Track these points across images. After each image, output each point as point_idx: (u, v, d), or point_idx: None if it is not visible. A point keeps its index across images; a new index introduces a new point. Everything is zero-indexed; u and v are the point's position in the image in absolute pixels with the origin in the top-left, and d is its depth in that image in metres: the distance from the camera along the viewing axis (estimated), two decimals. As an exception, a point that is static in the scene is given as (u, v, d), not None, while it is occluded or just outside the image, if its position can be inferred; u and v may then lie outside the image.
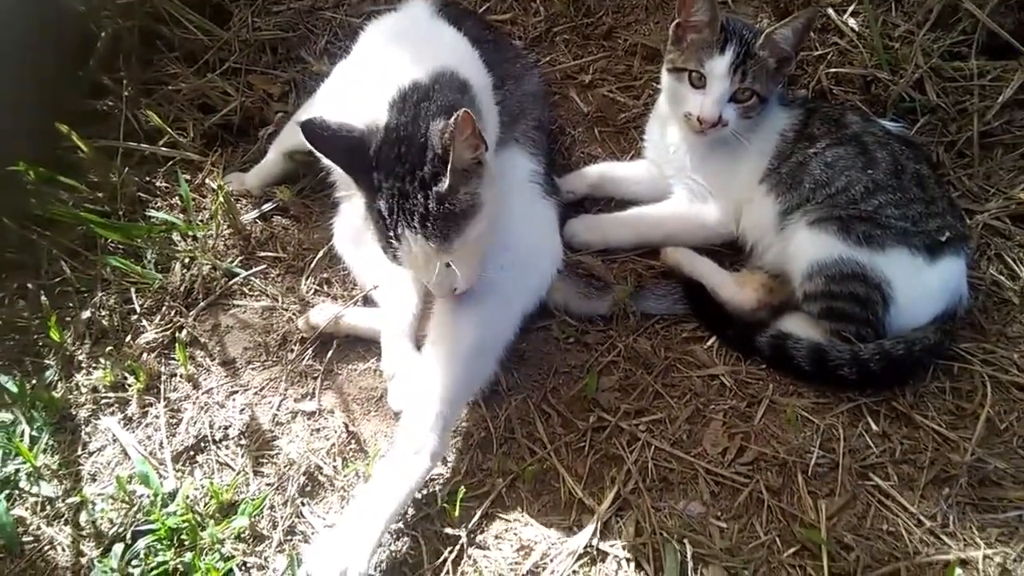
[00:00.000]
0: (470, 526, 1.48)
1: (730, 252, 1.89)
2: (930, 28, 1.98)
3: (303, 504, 1.53)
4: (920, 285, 1.64)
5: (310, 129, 1.42)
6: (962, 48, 1.99)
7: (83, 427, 1.67)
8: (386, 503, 1.40)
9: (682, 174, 1.88)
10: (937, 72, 1.97)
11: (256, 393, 1.71)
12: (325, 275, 1.90)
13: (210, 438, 1.63)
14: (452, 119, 1.33)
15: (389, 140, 1.44)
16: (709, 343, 1.76)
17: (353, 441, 1.61)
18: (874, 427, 1.59)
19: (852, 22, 2.04)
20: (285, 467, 1.57)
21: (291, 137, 2.03)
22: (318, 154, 1.47)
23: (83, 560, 1.47)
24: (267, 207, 2.04)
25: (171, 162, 2.13)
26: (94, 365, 1.77)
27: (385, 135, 1.45)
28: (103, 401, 1.71)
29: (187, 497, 1.51)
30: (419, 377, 1.55)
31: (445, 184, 1.39)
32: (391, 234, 1.43)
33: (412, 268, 1.50)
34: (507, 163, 1.78)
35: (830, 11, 2.06)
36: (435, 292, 1.55)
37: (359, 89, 1.64)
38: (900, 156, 1.72)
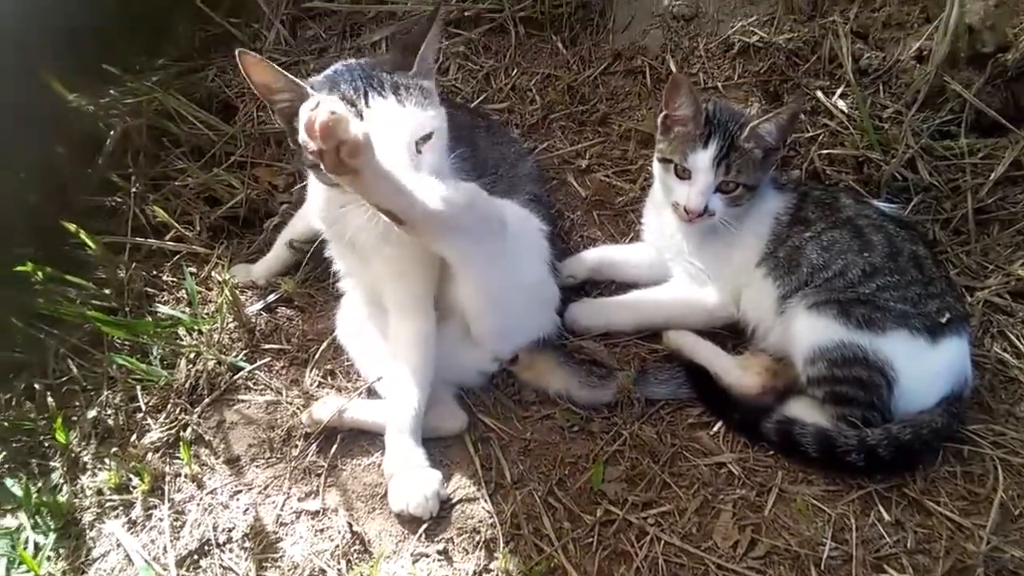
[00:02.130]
0: (477, 631, 1.45)
1: (732, 335, 1.89)
2: (919, 109, 2.02)
3: (307, 610, 1.51)
4: (923, 367, 1.63)
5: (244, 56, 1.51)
6: (951, 127, 2.02)
7: (88, 531, 1.66)
8: None
9: (680, 257, 1.90)
10: (928, 151, 2.00)
11: (260, 492, 1.69)
12: (329, 366, 1.91)
13: (214, 541, 1.61)
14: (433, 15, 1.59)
15: (342, 70, 1.58)
16: (715, 429, 1.75)
17: (357, 542, 1.59)
18: (886, 516, 1.57)
19: (841, 104, 2.08)
20: (289, 571, 1.55)
21: (294, 226, 2.08)
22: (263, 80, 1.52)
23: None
24: (271, 298, 2.07)
25: (178, 256, 2.17)
26: (99, 466, 1.76)
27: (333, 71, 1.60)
28: (108, 504, 1.70)
29: (190, 605, 1.49)
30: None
31: (414, 67, 1.57)
32: (362, 104, 1.50)
33: (388, 143, 1.49)
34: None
35: (819, 94, 2.11)
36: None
37: None
38: (895, 238, 1.73)
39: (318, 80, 1.58)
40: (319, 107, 1.28)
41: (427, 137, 1.54)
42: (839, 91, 2.10)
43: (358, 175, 1.35)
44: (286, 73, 1.50)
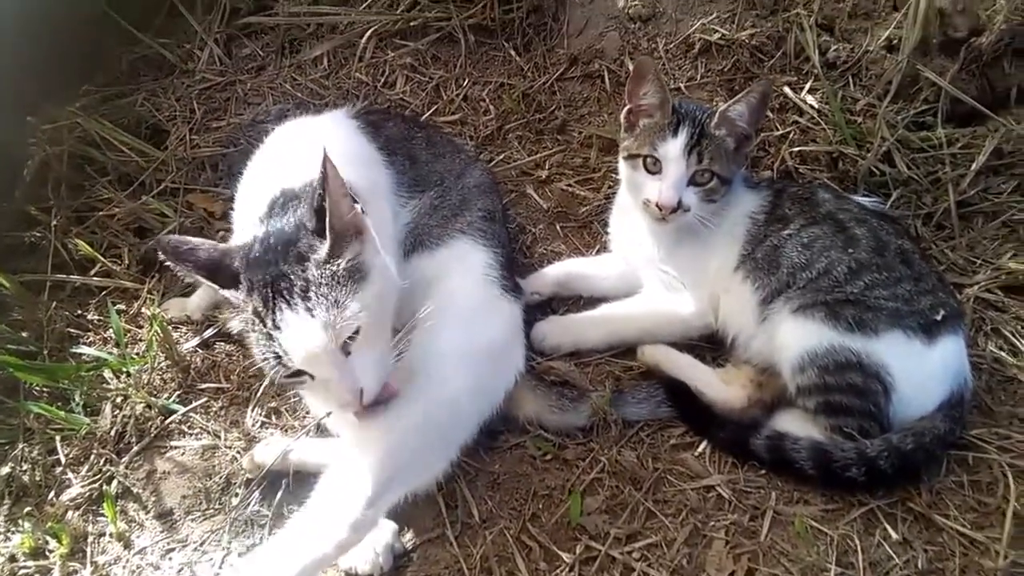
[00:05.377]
0: None
1: (711, 346, 1.76)
2: (892, 100, 1.94)
3: None
4: (921, 369, 1.52)
5: (166, 245, 1.30)
6: (927, 117, 1.94)
7: (-2, 605, 1.46)
8: (297, 558, 1.31)
9: (652, 265, 1.79)
10: (905, 143, 1.91)
11: (196, 549, 1.51)
12: (273, 404, 1.74)
13: (142, 609, 1.42)
14: (321, 165, 1.23)
15: (261, 245, 1.34)
16: (700, 449, 1.61)
17: (306, 600, 1.41)
18: (893, 534, 1.43)
19: (810, 99, 1.99)
20: (229, 639, 1.37)
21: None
22: (179, 270, 1.31)
23: None
24: (208, 333, 1.89)
25: (104, 292, 1.98)
26: (13, 529, 1.57)
27: (256, 243, 1.35)
28: (21, 572, 1.51)
29: None
30: (356, 447, 1.43)
31: (325, 247, 1.28)
32: (270, 323, 1.26)
33: (305, 363, 1.27)
34: (455, 256, 1.68)
35: (786, 90, 2.01)
36: (339, 401, 1.32)
37: (245, 198, 1.62)
38: (880, 232, 1.63)
39: (242, 263, 1.32)
40: None
41: (354, 335, 1.29)
42: (807, 86, 2.01)
43: None
44: (208, 281, 1.30)
